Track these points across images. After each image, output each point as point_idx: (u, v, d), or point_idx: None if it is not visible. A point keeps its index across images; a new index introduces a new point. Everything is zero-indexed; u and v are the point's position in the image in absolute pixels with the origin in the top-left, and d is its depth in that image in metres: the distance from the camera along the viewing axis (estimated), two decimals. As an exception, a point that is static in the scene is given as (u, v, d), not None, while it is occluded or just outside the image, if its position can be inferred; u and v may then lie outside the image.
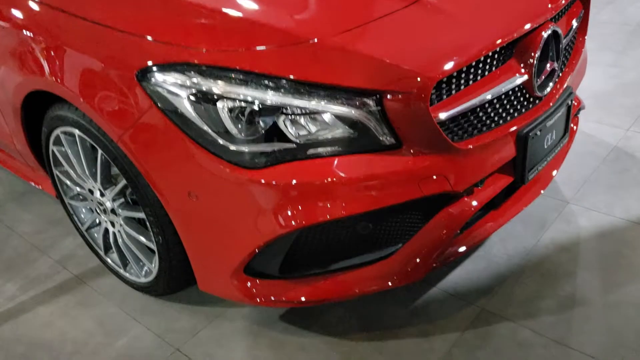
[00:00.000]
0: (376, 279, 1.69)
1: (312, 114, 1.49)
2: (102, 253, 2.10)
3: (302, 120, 1.50)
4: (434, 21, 1.61)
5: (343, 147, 1.53)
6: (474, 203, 1.72)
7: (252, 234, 1.57)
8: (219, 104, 1.46)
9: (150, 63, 1.51)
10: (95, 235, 2.11)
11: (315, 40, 1.51)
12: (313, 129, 1.50)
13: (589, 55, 2.84)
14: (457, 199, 1.69)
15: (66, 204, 2.13)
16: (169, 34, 1.54)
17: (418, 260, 1.69)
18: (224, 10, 1.60)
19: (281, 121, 1.49)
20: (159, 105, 1.51)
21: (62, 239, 2.38)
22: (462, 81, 1.59)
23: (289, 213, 1.51)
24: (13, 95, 1.93)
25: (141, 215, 1.79)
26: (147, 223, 1.76)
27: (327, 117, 1.50)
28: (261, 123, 1.49)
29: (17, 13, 1.83)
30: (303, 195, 1.51)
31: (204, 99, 1.47)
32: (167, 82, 1.49)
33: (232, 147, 1.48)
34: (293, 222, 1.52)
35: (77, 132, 1.79)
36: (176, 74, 1.49)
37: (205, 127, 1.49)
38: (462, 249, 1.77)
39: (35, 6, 1.79)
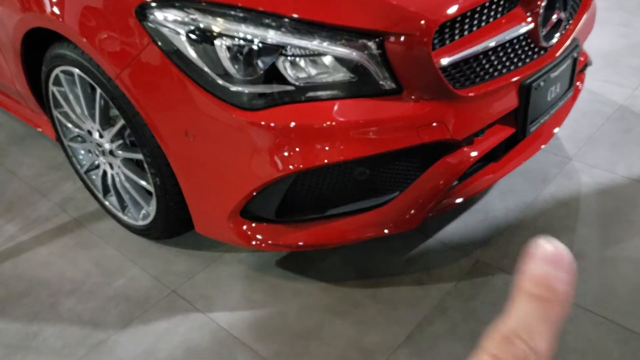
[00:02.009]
0: (372, 226, 1.69)
1: (312, 56, 1.47)
2: (100, 196, 2.11)
3: (301, 62, 1.48)
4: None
5: (343, 91, 1.51)
6: (473, 153, 1.71)
7: (249, 177, 1.56)
8: (217, 42, 1.44)
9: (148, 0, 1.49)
10: (94, 177, 2.11)
11: (318, -21, 1.48)
12: (313, 71, 1.49)
13: (599, 14, 2.78)
14: (456, 149, 1.68)
15: (65, 146, 2.13)
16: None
17: (414, 208, 1.69)
18: None
19: (280, 62, 1.47)
20: (158, 42, 1.49)
21: (62, 183, 2.39)
22: (466, 27, 1.56)
23: (287, 156, 1.50)
24: (13, 33, 1.91)
25: (139, 156, 1.78)
26: (145, 165, 1.76)
27: (327, 59, 1.48)
28: (260, 63, 1.47)
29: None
30: (301, 138, 1.50)
31: (203, 37, 1.45)
32: (166, 19, 1.47)
33: (230, 88, 1.47)
34: (290, 165, 1.51)
35: (76, 71, 1.77)
36: (175, 11, 1.46)
37: (204, 66, 1.47)
38: (459, 199, 1.77)
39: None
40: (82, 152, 2.11)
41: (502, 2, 1.62)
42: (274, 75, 1.48)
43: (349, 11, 1.47)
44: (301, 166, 1.52)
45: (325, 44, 1.45)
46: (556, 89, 1.85)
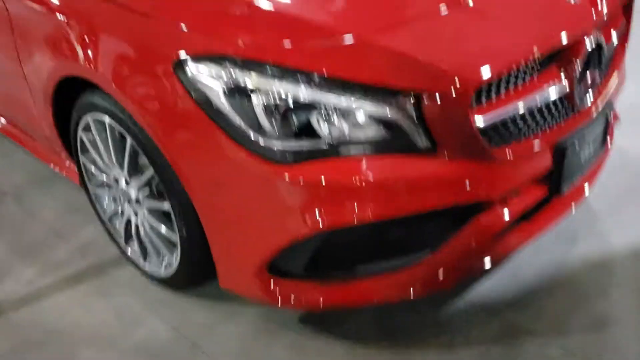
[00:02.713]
0: (401, 286, 1.64)
1: (345, 112, 1.46)
2: (122, 243, 2.08)
3: (334, 118, 1.47)
4: (476, 24, 1.57)
5: (376, 148, 1.49)
6: (507, 213, 1.67)
7: (279, 233, 1.53)
8: (254, 98, 1.43)
9: (186, 53, 1.48)
10: (117, 224, 2.08)
11: (353, 36, 1.48)
12: (346, 127, 1.47)
13: (626, 67, 2.78)
14: (490, 208, 1.64)
15: (90, 192, 2.11)
16: (205, 25, 1.51)
17: (446, 269, 1.65)
18: (260, 2, 1.56)
19: (314, 118, 1.46)
20: (193, 95, 1.48)
21: (83, 227, 2.36)
22: (503, 86, 1.55)
23: (317, 213, 1.47)
24: (46, 79, 1.91)
25: (166, 207, 1.76)
26: (172, 215, 1.73)
27: (361, 116, 1.46)
28: (294, 119, 1.46)
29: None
30: (332, 196, 1.48)
31: (239, 92, 1.44)
32: (203, 73, 1.46)
33: (264, 142, 1.45)
34: (320, 223, 1.48)
35: (107, 119, 1.77)
36: (212, 66, 1.46)
37: (238, 120, 1.46)
38: (492, 260, 1.72)
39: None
40: (107, 198, 2.09)
41: (538, 63, 1.61)
42: (306, 129, 1.47)
43: (384, 69, 1.46)
44: (331, 224, 1.49)
45: (359, 101, 1.44)
46: (590, 148, 1.83)
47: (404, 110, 1.45)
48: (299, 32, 1.49)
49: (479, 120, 1.49)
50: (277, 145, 1.45)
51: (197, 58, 1.48)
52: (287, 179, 1.45)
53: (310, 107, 1.44)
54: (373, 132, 1.48)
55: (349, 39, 1.47)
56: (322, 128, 1.46)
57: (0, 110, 2.59)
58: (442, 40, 1.51)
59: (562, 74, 1.65)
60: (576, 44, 1.63)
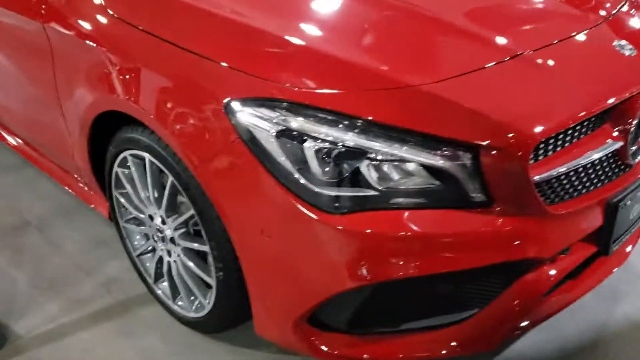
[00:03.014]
0: (447, 344, 1.58)
1: (398, 162, 1.42)
2: (151, 281, 2.02)
3: (386, 168, 1.43)
4: (535, 78, 1.54)
5: (428, 200, 1.44)
6: (556, 272, 1.62)
7: (324, 283, 1.48)
8: (306, 144, 1.40)
9: (238, 96, 1.46)
10: (147, 262, 2.03)
11: (411, 86, 1.45)
12: (398, 177, 1.43)
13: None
14: (539, 266, 1.59)
15: (121, 227, 2.07)
16: (259, 68, 1.49)
17: (493, 328, 1.59)
18: (319, 47, 1.54)
19: (365, 166, 1.42)
20: (243, 137, 1.45)
21: (108, 262, 2.31)
22: (559, 142, 1.51)
23: (365, 265, 1.43)
24: (84, 112, 1.88)
25: (203, 248, 1.71)
26: (210, 257, 1.68)
27: (415, 166, 1.42)
28: (346, 166, 1.42)
29: (97, 31, 1.80)
30: (380, 248, 1.43)
31: (291, 137, 1.41)
32: (255, 116, 1.43)
33: (314, 189, 1.41)
34: (367, 276, 1.43)
35: (148, 156, 1.73)
36: (265, 109, 1.43)
37: (289, 165, 1.42)
38: (538, 319, 1.66)
39: (118, 26, 1.75)
40: (138, 234, 2.04)
41: (593, 119, 1.58)
42: (357, 177, 1.43)
43: (442, 120, 1.43)
44: (379, 278, 1.44)
45: (415, 150, 1.41)
46: (639, 206, 1.78)
47: (461, 162, 1.41)
48: (354, 78, 1.46)
49: (536, 176, 1.44)
50: (327, 192, 1.40)
51: (248, 100, 1.45)
52: (334, 229, 1.40)
53: (361, 154, 1.41)
54: (426, 183, 1.44)
55: (407, 89, 1.44)
56: (373, 177, 1.42)
57: (28, 139, 2.57)
58: (502, 92, 1.48)
59: (617, 131, 1.62)
60: (631, 101, 1.60)
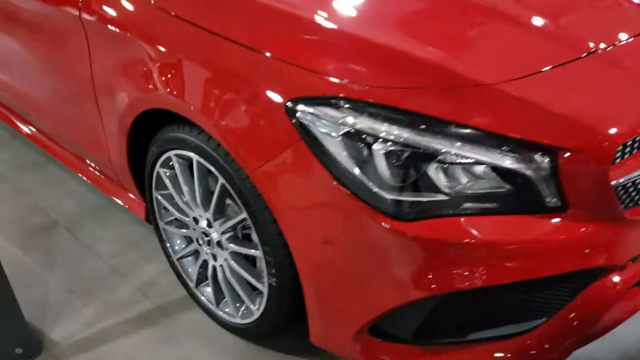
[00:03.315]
0: (514, 354, 1.51)
1: (471, 164, 1.34)
2: (192, 286, 1.95)
3: (458, 170, 1.36)
4: (613, 76, 1.46)
5: (500, 205, 1.37)
6: (626, 279, 1.54)
7: (388, 293, 1.41)
8: (375, 146, 1.32)
9: (300, 94, 1.38)
10: (189, 266, 1.96)
11: (485, 84, 1.37)
12: (467, 181, 1.35)
13: None
14: (611, 273, 1.51)
15: (160, 229, 1.99)
16: (324, 65, 1.41)
17: (561, 337, 1.51)
18: (386, 43, 1.46)
19: (433, 169, 1.34)
20: (307, 140, 1.37)
21: (143, 264, 2.24)
22: (636, 144, 1.43)
23: (434, 275, 1.35)
24: (125, 109, 1.81)
25: (255, 252, 1.64)
26: (262, 262, 1.61)
27: (487, 169, 1.35)
28: (415, 170, 1.34)
29: (143, 24, 1.72)
30: (451, 256, 1.36)
31: (358, 139, 1.33)
32: (320, 116, 1.36)
33: (382, 194, 1.33)
34: (436, 286, 1.36)
35: (196, 157, 1.65)
36: (330, 109, 1.35)
37: (355, 169, 1.34)
38: (607, 326, 1.59)
39: (164, 18, 1.67)
40: (179, 237, 1.97)
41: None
42: (426, 181, 1.35)
43: (518, 121, 1.35)
44: (448, 289, 1.37)
45: (489, 153, 1.33)
46: None
47: (538, 164, 1.33)
48: (426, 75, 1.38)
49: (616, 179, 1.37)
50: (395, 197, 1.33)
51: (311, 99, 1.37)
52: (402, 236, 1.33)
53: (432, 156, 1.33)
54: (496, 187, 1.36)
55: (481, 88, 1.36)
56: (442, 180, 1.35)
57: (56, 135, 2.49)
58: (581, 92, 1.40)
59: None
60: None
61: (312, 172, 1.38)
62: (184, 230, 1.90)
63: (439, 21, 1.59)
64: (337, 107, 1.35)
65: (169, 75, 1.63)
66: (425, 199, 1.35)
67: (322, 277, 1.49)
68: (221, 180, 1.61)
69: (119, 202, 2.24)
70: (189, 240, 1.92)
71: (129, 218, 2.48)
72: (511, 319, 1.50)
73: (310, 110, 1.36)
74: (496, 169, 1.34)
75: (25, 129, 2.67)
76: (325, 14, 1.55)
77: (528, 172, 1.34)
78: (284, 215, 1.47)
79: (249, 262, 1.74)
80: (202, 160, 1.64)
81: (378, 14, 1.62)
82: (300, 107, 1.37)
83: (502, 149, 1.33)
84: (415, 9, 1.66)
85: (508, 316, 1.49)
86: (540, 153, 1.33)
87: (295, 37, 1.50)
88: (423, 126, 1.32)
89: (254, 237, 1.64)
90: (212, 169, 1.62)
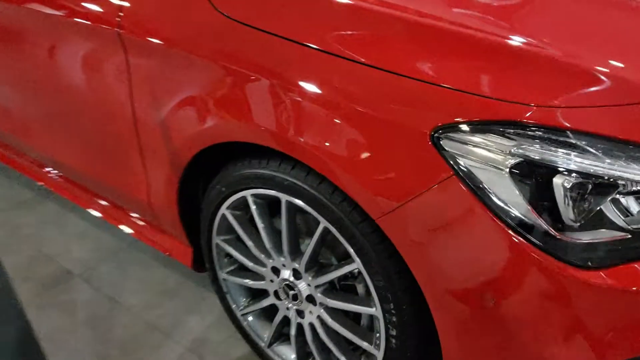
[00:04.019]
0: None
1: None
2: (263, 345, 1.65)
3: (632, 202, 1.13)
4: None
5: None
6: None
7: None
8: (556, 179, 1.08)
9: (451, 120, 1.12)
10: (258, 322, 1.66)
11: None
12: None
13: None
14: None
15: (219, 280, 1.68)
16: (476, 82, 1.15)
17: None
18: (554, 55, 1.19)
19: (609, 202, 1.11)
20: (462, 175, 1.11)
21: (184, 317, 1.92)
22: None
23: (629, 335, 1.12)
24: (182, 144, 1.50)
25: (369, 311, 1.36)
26: (380, 322, 1.34)
27: None
28: (592, 204, 1.10)
29: (206, 39, 1.42)
30: None
31: (533, 171, 1.08)
32: (479, 145, 1.10)
33: (563, 236, 1.09)
34: (632, 349, 1.13)
35: (286, 197, 1.37)
36: (493, 136, 1.10)
37: (529, 210, 1.09)
38: None
39: (238, 30, 1.37)
40: (244, 289, 1.67)
41: None
42: (599, 217, 1.12)
43: None
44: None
45: None
46: None
47: None
48: (602, 90, 1.15)
49: None
50: (579, 240, 1.09)
51: (472, 128, 1.11)
52: (592, 288, 1.09)
53: (614, 187, 1.10)
54: None
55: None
56: (620, 214, 1.12)
57: (63, 170, 2.14)
58: None
59: None
60: None
61: (469, 214, 1.12)
62: (253, 282, 1.60)
63: (609, 28, 1.36)
64: (502, 133, 1.09)
65: (258, 103, 1.33)
66: (604, 238, 1.11)
67: (474, 339, 1.23)
68: (322, 224, 1.33)
69: (156, 248, 1.90)
70: (260, 292, 1.62)
71: (152, 261, 2.15)
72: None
73: (468, 137, 1.11)
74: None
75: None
76: (470, 23, 1.28)
77: None
78: (422, 267, 1.20)
79: (351, 319, 1.47)
80: (299, 202, 1.35)
81: (536, 20, 1.36)
82: (453, 134, 1.11)
83: None
84: (581, 14, 1.41)
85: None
86: None
87: (437, 53, 1.22)
88: (608, 152, 1.08)
89: (360, 289, 1.38)
90: (312, 210, 1.33)
